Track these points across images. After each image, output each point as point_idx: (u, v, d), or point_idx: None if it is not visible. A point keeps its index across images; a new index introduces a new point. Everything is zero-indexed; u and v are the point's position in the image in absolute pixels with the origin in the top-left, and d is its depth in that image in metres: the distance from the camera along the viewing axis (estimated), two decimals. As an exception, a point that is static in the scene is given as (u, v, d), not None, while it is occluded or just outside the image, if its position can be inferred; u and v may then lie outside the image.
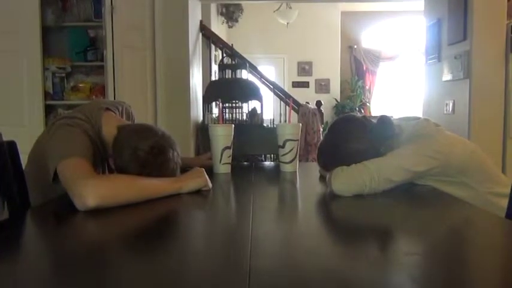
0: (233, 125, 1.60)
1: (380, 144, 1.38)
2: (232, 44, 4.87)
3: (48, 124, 1.34)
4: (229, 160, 1.56)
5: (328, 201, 1.28)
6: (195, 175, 1.28)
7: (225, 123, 2.17)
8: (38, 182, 1.31)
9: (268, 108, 5.31)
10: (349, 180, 1.26)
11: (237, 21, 7.04)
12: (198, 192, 1.23)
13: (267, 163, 2.28)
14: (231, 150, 1.56)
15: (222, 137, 1.54)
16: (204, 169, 1.32)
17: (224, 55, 4.76)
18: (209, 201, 1.18)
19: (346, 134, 1.42)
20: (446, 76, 3.59)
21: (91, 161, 1.21)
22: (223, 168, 1.55)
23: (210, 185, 1.27)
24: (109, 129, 1.31)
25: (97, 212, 1.03)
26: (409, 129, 1.42)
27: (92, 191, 1.05)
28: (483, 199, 1.33)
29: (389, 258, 0.74)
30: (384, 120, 1.40)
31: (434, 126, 1.46)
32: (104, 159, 1.41)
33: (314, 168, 1.93)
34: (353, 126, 1.42)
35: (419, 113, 4.87)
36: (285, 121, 4.97)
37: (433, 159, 1.30)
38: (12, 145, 1.30)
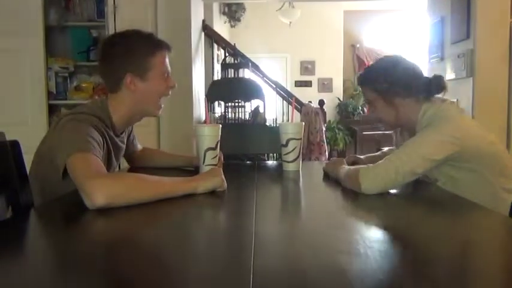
0: (220, 125, 1.54)
1: (421, 92, 1.42)
2: (234, 43, 4.87)
3: (52, 123, 1.35)
4: (214, 161, 1.49)
5: (331, 200, 1.28)
6: (211, 174, 1.25)
7: (228, 122, 2.17)
8: (47, 181, 1.31)
9: (271, 107, 5.32)
10: (377, 177, 1.24)
11: (239, 20, 7.04)
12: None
13: (270, 162, 2.28)
14: (217, 151, 1.51)
15: (205, 137, 1.48)
16: (221, 168, 1.29)
17: (226, 54, 4.76)
18: (212, 200, 1.17)
19: (403, 60, 1.48)
20: (450, 75, 3.57)
21: (101, 155, 1.22)
22: (206, 169, 1.47)
23: (225, 185, 1.23)
24: (117, 112, 1.37)
25: (102, 211, 1.03)
26: (432, 109, 1.41)
27: (101, 190, 1.03)
28: (494, 192, 1.31)
29: (395, 260, 0.74)
30: (436, 77, 1.45)
31: (457, 109, 1.46)
32: (117, 152, 1.43)
33: (317, 168, 1.92)
34: (412, 63, 1.48)
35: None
36: (288, 120, 4.97)
37: (451, 144, 1.29)
38: (15, 145, 1.30)
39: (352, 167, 1.37)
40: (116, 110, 1.41)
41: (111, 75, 1.41)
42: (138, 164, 1.75)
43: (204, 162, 1.49)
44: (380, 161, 1.31)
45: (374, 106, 1.51)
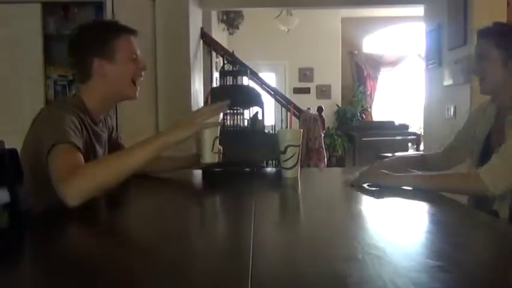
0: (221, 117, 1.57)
1: None
2: (233, 51, 4.88)
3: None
4: (218, 150, 1.52)
5: (330, 207, 1.28)
6: (181, 123, 1.22)
7: (226, 129, 2.17)
8: (40, 183, 1.30)
9: (270, 114, 5.32)
10: (507, 174, 1.21)
11: (237, 28, 7.07)
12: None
13: (269, 169, 2.28)
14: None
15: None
16: (195, 114, 1.27)
17: (225, 62, 4.78)
18: (210, 206, 1.17)
19: None
20: (447, 81, 3.59)
21: (80, 143, 1.25)
22: (212, 157, 1.51)
23: (215, 119, 1.22)
24: (91, 99, 1.40)
25: (94, 215, 1.03)
26: None
27: (72, 194, 1.08)
28: None
29: (398, 266, 0.74)
30: None
31: None
32: (98, 139, 1.45)
33: (316, 174, 1.92)
34: None
35: (420, 118, 4.87)
36: (286, 127, 4.97)
37: None
38: (13, 153, 1.30)
39: (429, 174, 1.35)
40: (90, 97, 1.43)
41: (80, 65, 1.44)
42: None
43: (212, 149, 1.50)
44: (494, 159, 1.27)
45: (487, 62, 1.47)
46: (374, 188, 1.37)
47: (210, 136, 1.50)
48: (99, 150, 1.46)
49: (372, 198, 1.29)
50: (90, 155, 1.38)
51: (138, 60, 1.46)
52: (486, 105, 1.64)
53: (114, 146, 1.66)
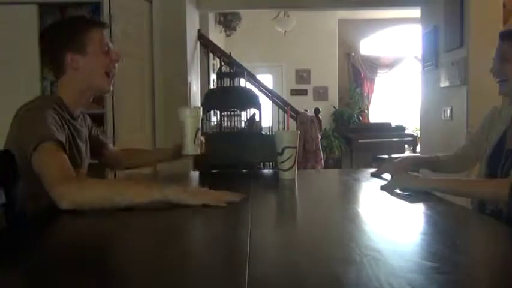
0: (200, 108, 1.59)
1: None
2: (230, 53, 4.89)
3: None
4: (200, 142, 1.55)
5: (327, 208, 1.28)
6: (192, 192, 1.20)
7: (224, 130, 2.17)
8: (30, 183, 1.30)
9: (267, 116, 5.32)
10: None
11: (235, 29, 7.07)
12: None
13: (266, 170, 2.28)
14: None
15: (196, 118, 1.53)
16: (209, 190, 1.23)
17: (222, 63, 4.78)
18: (207, 207, 1.17)
19: None
20: (444, 82, 3.60)
21: (64, 138, 1.26)
22: (195, 148, 1.54)
23: (217, 203, 1.15)
24: (67, 94, 1.42)
25: (91, 218, 1.03)
26: None
27: (67, 198, 1.10)
28: None
29: (394, 267, 0.74)
30: None
31: None
32: (79, 135, 1.45)
33: (313, 176, 1.92)
34: None
35: (417, 120, 4.88)
36: (284, 128, 4.98)
37: None
38: (9, 154, 1.30)
39: (465, 179, 1.33)
40: (65, 92, 1.44)
41: (54, 60, 1.44)
42: (119, 165, 1.76)
43: (194, 142, 1.53)
44: None
45: (510, 64, 1.47)
46: (407, 193, 1.35)
47: (192, 128, 1.51)
48: (81, 146, 1.46)
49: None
50: (73, 150, 1.39)
51: (111, 53, 1.46)
52: (501, 107, 1.65)
53: (97, 143, 1.66)
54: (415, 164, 1.70)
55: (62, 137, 1.27)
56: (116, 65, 1.48)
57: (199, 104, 4.19)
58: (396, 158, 1.79)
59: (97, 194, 1.14)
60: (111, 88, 1.51)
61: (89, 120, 1.64)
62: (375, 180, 1.66)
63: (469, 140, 1.75)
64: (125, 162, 1.76)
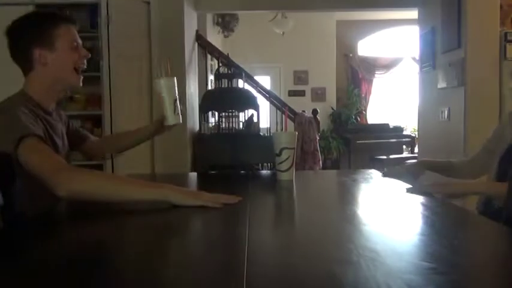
0: (175, 78, 1.58)
1: None
2: (228, 54, 4.89)
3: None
4: (180, 112, 1.55)
5: (325, 209, 1.28)
6: (192, 194, 1.21)
7: (222, 131, 2.17)
8: (25, 183, 1.30)
9: (265, 117, 5.33)
10: None
11: (232, 30, 7.08)
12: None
13: (264, 171, 2.28)
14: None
15: (170, 88, 1.53)
16: (205, 193, 1.22)
17: (220, 64, 4.78)
18: (204, 208, 1.17)
19: None
20: (441, 83, 3.61)
21: (42, 132, 1.26)
22: (175, 118, 1.54)
23: (215, 204, 1.15)
24: (36, 90, 1.40)
25: (89, 218, 1.02)
26: None
27: (66, 185, 1.12)
28: None
29: (392, 268, 0.74)
30: None
31: None
32: (54, 130, 1.43)
33: (311, 177, 1.92)
34: None
35: (415, 120, 4.89)
36: (281, 129, 4.98)
37: None
38: (5, 156, 1.30)
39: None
40: (35, 88, 1.42)
41: (21, 56, 1.44)
42: (102, 153, 1.76)
43: (174, 111, 1.53)
44: None
45: None
46: (438, 196, 1.33)
47: (169, 98, 1.51)
48: (58, 141, 1.45)
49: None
50: (49, 145, 1.37)
51: (80, 49, 1.46)
52: None
53: (77, 136, 1.65)
54: (428, 167, 1.70)
55: (40, 131, 1.27)
56: (85, 60, 1.47)
57: (197, 106, 4.19)
58: (406, 159, 1.79)
59: (96, 184, 1.15)
60: (81, 84, 1.50)
61: (64, 115, 1.61)
62: (375, 180, 1.67)
63: (482, 147, 1.74)
64: (110, 148, 1.74)
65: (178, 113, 1.54)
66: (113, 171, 3.36)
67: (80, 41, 1.47)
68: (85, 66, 1.48)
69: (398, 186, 1.50)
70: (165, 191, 1.16)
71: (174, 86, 1.54)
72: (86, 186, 1.13)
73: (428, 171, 1.69)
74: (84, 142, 1.68)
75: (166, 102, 1.52)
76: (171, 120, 1.54)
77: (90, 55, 1.49)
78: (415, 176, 1.62)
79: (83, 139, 1.68)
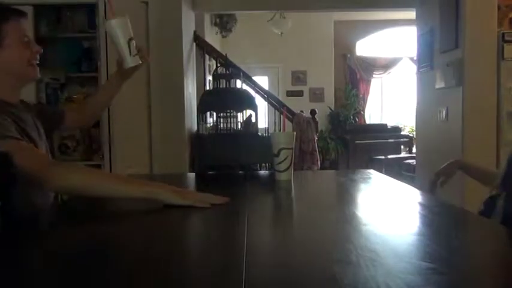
0: (127, 16, 1.51)
1: None
2: (226, 54, 4.89)
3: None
4: (136, 51, 1.49)
5: (323, 209, 1.28)
6: (181, 192, 1.18)
7: (220, 131, 2.17)
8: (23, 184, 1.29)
9: (263, 117, 5.33)
10: None
11: (231, 31, 7.08)
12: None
13: (262, 172, 2.28)
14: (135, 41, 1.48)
15: (122, 28, 1.46)
16: (195, 192, 1.24)
17: (218, 65, 4.78)
18: (203, 209, 1.17)
19: None
20: (439, 84, 3.61)
21: (15, 131, 1.24)
22: (134, 60, 1.49)
23: (204, 204, 1.15)
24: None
25: (86, 221, 1.02)
26: None
27: (56, 180, 1.14)
28: None
29: (391, 268, 0.74)
30: None
31: None
32: (26, 123, 1.40)
33: (309, 177, 1.92)
34: None
35: (413, 120, 4.90)
36: (280, 130, 4.99)
37: None
38: (5, 156, 1.29)
39: None
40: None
41: None
42: (86, 120, 1.74)
43: (130, 53, 1.47)
44: None
45: None
46: None
47: (123, 39, 1.45)
48: (32, 133, 1.40)
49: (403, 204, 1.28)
50: (24, 138, 1.34)
51: (31, 45, 1.41)
52: None
53: (54, 116, 1.62)
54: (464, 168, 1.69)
55: (12, 130, 1.24)
56: (38, 56, 1.42)
57: (195, 106, 4.19)
58: (404, 159, 1.79)
59: (84, 181, 1.15)
60: (39, 75, 1.45)
61: (31, 104, 1.57)
62: (374, 180, 1.67)
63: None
64: (91, 111, 1.71)
65: (135, 53, 1.47)
66: (111, 172, 3.36)
67: (30, 35, 1.42)
68: (37, 61, 1.42)
69: (397, 186, 1.51)
70: (154, 189, 1.16)
71: (127, 26, 1.47)
72: (73, 183, 1.14)
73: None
74: (63, 118, 1.64)
75: (120, 44, 1.45)
76: (128, 62, 1.47)
77: (42, 50, 1.43)
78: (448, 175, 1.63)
79: (61, 116, 1.64)
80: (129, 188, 1.16)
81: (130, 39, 1.46)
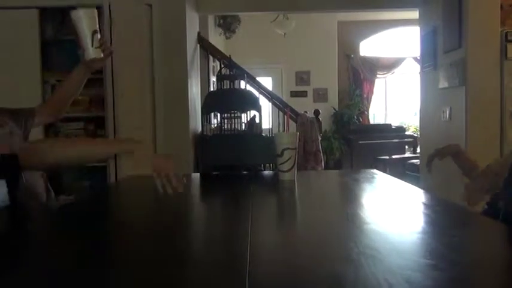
0: (96, 9, 1.50)
1: None
2: (230, 55, 4.90)
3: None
4: (99, 45, 1.48)
5: (326, 209, 1.29)
6: (157, 155, 1.20)
7: (224, 132, 2.18)
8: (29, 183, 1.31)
9: (267, 118, 5.34)
10: None
11: (234, 32, 7.08)
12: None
13: (266, 172, 2.29)
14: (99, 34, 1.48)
15: (88, 19, 1.45)
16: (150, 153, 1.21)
17: (222, 66, 4.79)
18: (208, 208, 1.18)
19: None
20: (443, 83, 3.61)
21: None
22: (96, 52, 1.49)
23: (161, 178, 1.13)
24: None
25: (91, 219, 1.03)
26: None
27: (38, 155, 1.17)
28: None
29: (392, 265, 0.75)
30: None
31: None
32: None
33: (313, 177, 1.94)
34: None
35: (417, 120, 4.89)
36: (283, 130, 4.99)
37: None
38: (12, 157, 1.31)
39: None
40: None
41: None
42: (59, 112, 1.76)
43: (93, 45, 1.47)
44: None
45: None
46: None
47: (87, 30, 1.44)
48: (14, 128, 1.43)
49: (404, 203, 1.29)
50: None
51: None
52: None
53: (27, 119, 1.63)
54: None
55: None
56: None
57: (199, 107, 4.20)
58: (409, 159, 1.78)
59: (58, 152, 1.19)
60: None
61: (3, 120, 1.56)
62: (377, 180, 1.67)
63: None
64: (62, 103, 1.73)
65: (97, 46, 1.47)
66: (116, 173, 3.38)
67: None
68: None
69: (400, 186, 1.51)
70: (130, 147, 1.18)
71: (94, 18, 1.47)
72: (47, 161, 1.17)
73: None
74: (34, 116, 1.65)
75: (85, 35, 1.45)
76: (90, 53, 1.48)
77: None
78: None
79: (32, 114, 1.65)
80: (113, 143, 1.17)
81: (94, 32, 1.46)
